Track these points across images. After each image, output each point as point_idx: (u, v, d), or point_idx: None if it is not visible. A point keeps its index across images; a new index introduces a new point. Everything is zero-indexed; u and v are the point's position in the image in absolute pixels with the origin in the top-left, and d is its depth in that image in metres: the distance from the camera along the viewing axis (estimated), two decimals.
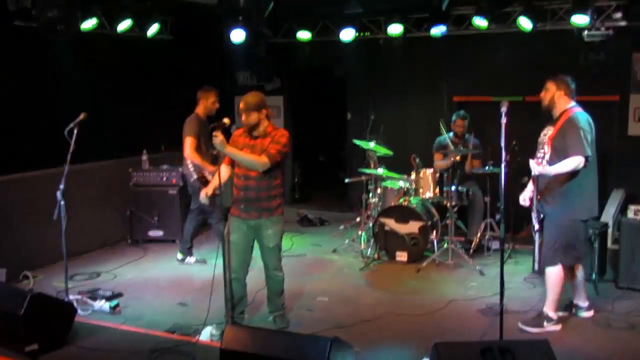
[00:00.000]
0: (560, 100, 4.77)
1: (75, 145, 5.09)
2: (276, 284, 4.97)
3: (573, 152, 4.55)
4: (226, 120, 4.57)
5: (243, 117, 4.66)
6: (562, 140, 4.63)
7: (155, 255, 7.28)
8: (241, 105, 4.65)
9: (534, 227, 4.92)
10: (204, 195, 4.89)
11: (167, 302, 5.68)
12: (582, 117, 4.69)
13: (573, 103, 4.79)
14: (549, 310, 4.89)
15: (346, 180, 7.86)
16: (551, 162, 4.64)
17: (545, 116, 4.94)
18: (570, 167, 4.55)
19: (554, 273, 4.84)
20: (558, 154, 4.63)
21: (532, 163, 4.55)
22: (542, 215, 4.80)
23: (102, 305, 5.41)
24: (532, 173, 4.66)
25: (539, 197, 4.74)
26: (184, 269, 6.77)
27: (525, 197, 5.03)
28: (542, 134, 4.90)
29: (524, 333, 4.79)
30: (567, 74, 4.90)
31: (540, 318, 4.90)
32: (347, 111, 9.77)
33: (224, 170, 4.82)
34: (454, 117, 7.40)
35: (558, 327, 4.88)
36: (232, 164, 4.81)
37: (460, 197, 6.85)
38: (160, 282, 6.30)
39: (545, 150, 4.75)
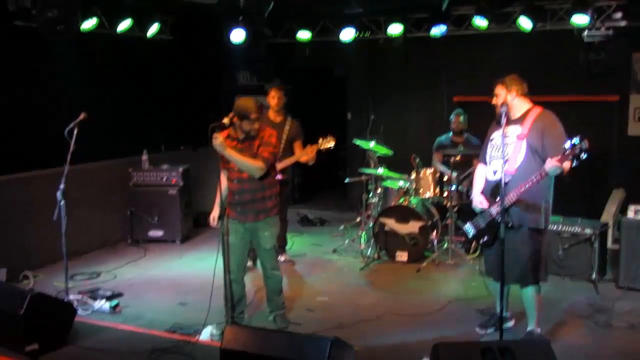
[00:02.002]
0: (515, 101, 4.45)
1: (75, 145, 5.09)
2: (275, 283, 4.98)
3: None
4: (226, 120, 4.57)
5: (253, 126, 4.58)
6: (540, 139, 4.31)
7: (155, 255, 7.27)
8: (256, 108, 4.57)
9: (469, 233, 4.71)
10: (212, 220, 4.93)
11: (167, 302, 5.67)
12: (556, 116, 4.44)
13: (530, 102, 4.51)
14: (537, 327, 4.65)
15: (346, 180, 7.86)
16: (528, 163, 4.35)
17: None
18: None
19: (535, 291, 4.55)
20: (534, 154, 4.34)
21: (552, 162, 4.07)
22: (510, 223, 4.31)
23: (102, 305, 5.41)
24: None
25: (508, 203, 4.32)
26: (184, 269, 6.77)
27: (482, 200, 4.60)
28: (496, 135, 4.51)
29: None
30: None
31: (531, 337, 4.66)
32: (347, 111, 9.77)
33: (222, 175, 4.79)
34: (451, 116, 7.41)
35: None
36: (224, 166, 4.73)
37: (460, 197, 6.86)
38: (160, 282, 6.30)
39: (509, 152, 4.38)
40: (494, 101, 4.54)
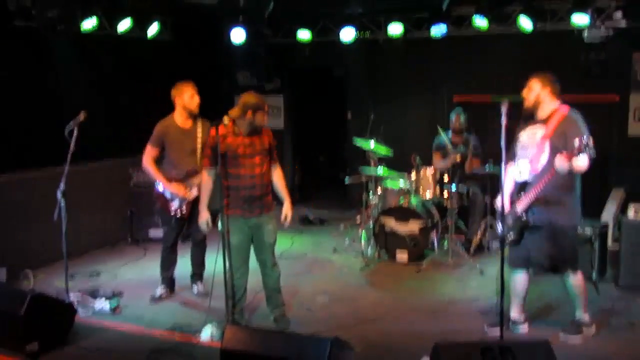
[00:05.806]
0: (547, 99, 4.54)
1: (75, 145, 5.09)
2: (274, 281, 5.00)
3: None
4: (226, 120, 4.57)
5: (264, 118, 4.73)
6: (564, 140, 4.35)
7: (155, 255, 7.20)
8: (265, 107, 4.73)
9: (499, 231, 4.60)
10: (207, 225, 4.92)
11: (167, 302, 5.68)
12: (581, 117, 4.52)
13: (559, 102, 4.59)
14: (584, 313, 4.75)
15: (346, 180, 7.86)
16: (550, 163, 4.37)
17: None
18: (586, 166, 4.26)
19: (580, 277, 4.68)
20: (556, 155, 4.33)
21: (559, 158, 4.16)
22: (530, 222, 4.50)
23: (102, 305, 5.41)
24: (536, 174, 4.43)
25: (530, 201, 4.46)
26: (183, 269, 6.75)
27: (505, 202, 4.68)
28: (523, 135, 4.59)
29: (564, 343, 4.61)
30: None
31: (577, 324, 4.75)
32: (347, 111, 9.78)
33: (207, 176, 4.85)
34: (450, 115, 7.41)
35: (594, 329, 4.79)
36: (216, 164, 4.71)
37: (460, 197, 6.86)
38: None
39: (533, 152, 4.50)
40: (524, 93, 4.60)
